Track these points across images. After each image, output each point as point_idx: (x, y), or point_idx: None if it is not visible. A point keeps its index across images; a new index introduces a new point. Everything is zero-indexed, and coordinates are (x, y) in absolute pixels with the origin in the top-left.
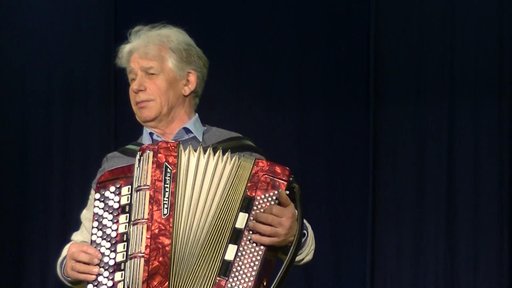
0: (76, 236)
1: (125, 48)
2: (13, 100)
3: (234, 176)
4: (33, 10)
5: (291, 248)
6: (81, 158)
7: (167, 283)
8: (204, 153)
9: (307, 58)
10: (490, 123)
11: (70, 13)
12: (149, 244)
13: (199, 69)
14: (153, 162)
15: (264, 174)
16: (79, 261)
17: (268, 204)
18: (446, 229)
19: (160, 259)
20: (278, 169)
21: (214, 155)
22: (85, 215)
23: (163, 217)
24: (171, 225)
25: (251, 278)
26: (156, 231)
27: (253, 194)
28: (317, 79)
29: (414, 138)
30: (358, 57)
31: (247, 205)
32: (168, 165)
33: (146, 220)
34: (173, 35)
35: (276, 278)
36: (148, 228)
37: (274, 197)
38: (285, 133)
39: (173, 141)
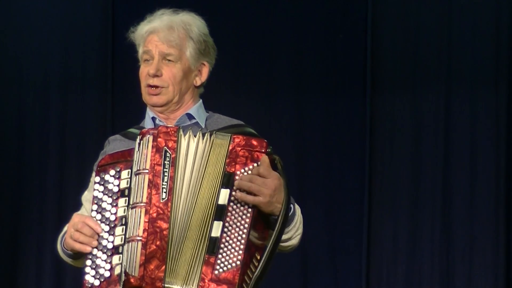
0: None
1: (145, 27)
2: (10, 88)
3: (213, 154)
4: None
5: (279, 216)
6: (77, 146)
7: (164, 266)
8: (203, 137)
9: (304, 46)
10: (487, 112)
11: (67, 0)
12: (147, 228)
13: (211, 61)
14: (152, 146)
15: (241, 149)
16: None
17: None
18: (442, 219)
19: (158, 243)
20: (254, 142)
21: (204, 138)
22: (86, 196)
23: (161, 201)
24: (169, 209)
25: (240, 252)
26: (154, 215)
27: (233, 169)
28: (314, 67)
29: (411, 126)
30: (355, 45)
31: (227, 180)
32: (167, 149)
33: (144, 204)
34: (195, 24)
35: (266, 251)
36: (146, 212)
37: (254, 170)
38: (281, 122)
39: (173, 126)
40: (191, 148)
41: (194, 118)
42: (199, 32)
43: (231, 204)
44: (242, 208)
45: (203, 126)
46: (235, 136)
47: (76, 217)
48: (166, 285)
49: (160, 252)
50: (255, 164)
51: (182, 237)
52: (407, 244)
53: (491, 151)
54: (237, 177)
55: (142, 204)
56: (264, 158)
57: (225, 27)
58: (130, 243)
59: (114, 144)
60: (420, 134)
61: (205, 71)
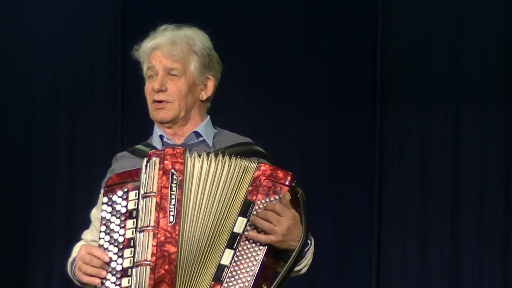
0: (86, 235)
1: (148, 44)
2: (19, 100)
3: (235, 179)
4: (39, 9)
5: (294, 253)
6: (87, 158)
7: None
8: (208, 158)
9: (314, 61)
10: (496, 126)
11: (77, 12)
12: (155, 252)
13: (217, 75)
14: (159, 169)
15: (266, 179)
16: (89, 264)
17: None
18: (451, 232)
19: (166, 267)
20: (280, 174)
21: (216, 159)
22: (95, 214)
23: (169, 224)
24: (177, 233)
25: (247, 284)
26: (162, 238)
27: (254, 198)
28: (323, 82)
29: (420, 141)
30: (364, 61)
31: (246, 209)
32: (174, 172)
33: (152, 228)
34: (198, 39)
35: (275, 283)
36: (154, 236)
37: (274, 202)
38: (291, 136)
39: (179, 147)
40: (202, 170)
41: (202, 136)
42: (202, 46)
43: (246, 233)
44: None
45: (211, 144)
46: (261, 163)
47: (83, 249)
48: None
49: (169, 277)
50: (277, 197)
51: (192, 261)
52: (416, 259)
53: (500, 166)
54: (256, 207)
55: (149, 228)
56: (285, 195)
57: (234, 41)
58: (139, 268)
59: (122, 161)
60: (429, 149)
61: (211, 85)
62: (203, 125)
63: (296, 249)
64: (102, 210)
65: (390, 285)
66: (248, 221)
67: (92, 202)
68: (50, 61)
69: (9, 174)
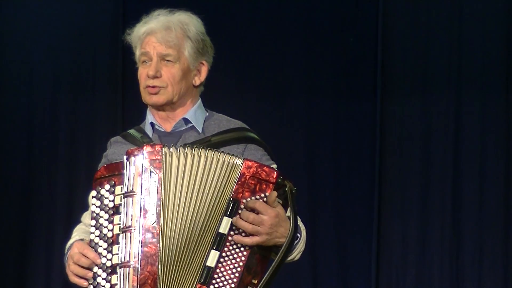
0: (85, 218)
1: (142, 28)
2: (20, 88)
3: (220, 176)
4: None
5: (282, 249)
6: (87, 147)
7: None
8: (185, 151)
9: (315, 49)
10: (497, 116)
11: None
12: (137, 253)
13: (209, 59)
14: (138, 167)
15: (251, 176)
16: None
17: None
18: (451, 220)
19: (149, 268)
20: (265, 171)
21: (200, 153)
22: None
23: (150, 224)
24: (158, 233)
25: (233, 285)
26: (143, 239)
27: (239, 196)
28: (324, 70)
29: (421, 130)
30: (366, 49)
31: (232, 208)
32: (153, 170)
33: (134, 228)
34: (192, 24)
35: (264, 278)
36: (136, 237)
37: (260, 200)
38: (292, 124)
39: (158, 144)
40: (179, 165)
41: (191, 123)
42: (196, 31)
43: (231, 233)
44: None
45: (200, 131)
46: (247, 160)
47: (75, 247)
48: None
49: (152, 278)
50: (263, 195)
51: (175, 260)
52: (416, 248)
53: (501, 155)
54: (242, 206)
55: (131, 228)
56: (272, 193)
57: (235, 29)
58: (122, 269)
59: (115, 146)
60: (430, 138)
61: (204, 70)
62: (192, 111)
63: (284, 244)
64: (92, 204)
65: (390, 274)
66: (235, 217)
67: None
68: (51, 48)
69: (9, 161)
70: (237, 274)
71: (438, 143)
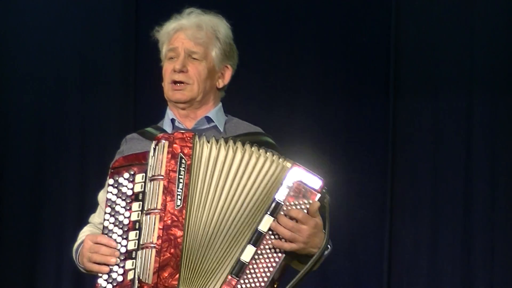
0: (93, 219)
1: (172, 24)
2: (31, 85)
3: (267, 175)
4: None
5: (313, 258)
6: (99, 143)
7: (177, 275)
8: (217, 143)
9: (328, 48)
10: (509, 115)
11: None
12: (161, 235)
13: (234, 65)
14: (168, 152)
15: (298, 181)
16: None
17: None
18: (463, 222)
19: (172, 250)
20: (312, 179)
21: (235, 147)
22: (102, 197)
23: (176, 208)
24: (183, 217)
25: (262, 284)
26: (169, 222)
27: (283, 198)
28: (337, 71)
29: (433, 130)
30: (378, 49)
31: (274, 209)
32: (183, 155)
33: (159, 211)
34: (222, 26)
35: (290, 285)
36: (161, 219)
37: (303, 206)
38: (303, 125)
39: (189, 131)
40: (210, 155)
41: (213, 122)
42: (225, 34)
43: (270, 232)
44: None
45: (222, 130)
46: (296, 164)
47: (89, 240)
48: None
49: (174, 260)
50: (306, 201)
51: (199, 246)
52: (428, 249)
53: None
54: (284, 208)
55: (156, 210)
56: (314, 203)
57: (247, 30)
58: (144, 250)
59: (132, 143)
60: (442, 138)
61: (228, 74)
62: (214, 111)
63: (315, 255)
64: (108, 192)
65: (401, 276)
66: (274, 220)
67: (103, 187)
68: (61, 46)
69: (20, 159)
70: (268, 274)
71: (450, 143)
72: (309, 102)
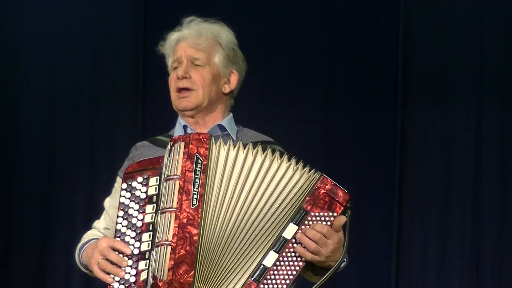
0: (98, 223)
1: (173, 36)
2: (41, 94)
3: (294, 184)
4: (61, 2)
5: (330, 271)
6: (107, 153)
7: (192, 272)
8: (243, 148)
9: (335, 58)
10: None
11: (99, 5)
12: (176, 233)
13: (241, 71)
14: (184, 153)
15: (325, 192)
16: (108, 260)
17: (320, 223)
18: (471, 228)
19: (187, 248)
20: (340, 192)
21: (256, 151)
22: (109, 202)
23: (192, 207)
24: (199, 216)
25: None
26: (184, 220)
27: (309, 208)
28: (345, 79)
29: (441, 139)
30: (386, 58)
31: (300, 217)
32: (199, 156)
33: (174, 209)
34: (224, 32)
35: None
36: (176, 217)
37: (327, 218)
38: (312, 133)
39: (205, 133)
40: (228, 157)
41: (226, 130)
42: (227, 39)
43: (293, 241)
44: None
45: (235, 139)
46: (324, 176)
47: (104, 242)
48: None
49: (190, 257)
50: (331, 213)
51: (217, 245)
52: (436, 257)
53: None
54: (309, 218)
55: (172, 209)
56: (340, 218)
57: (255, 38)
58: (159, 248)
59: (142, 150)
60: (451, 145)
61: (234, 79)
62: (227, 120)
63: (333, 269)
64: (121, 196)
65: (410, 280)
66: (298, 229)
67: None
68: (71, 55)
69: (30, 168)
70: (288, 281)
71: (459, 151)
72: (317, 111)
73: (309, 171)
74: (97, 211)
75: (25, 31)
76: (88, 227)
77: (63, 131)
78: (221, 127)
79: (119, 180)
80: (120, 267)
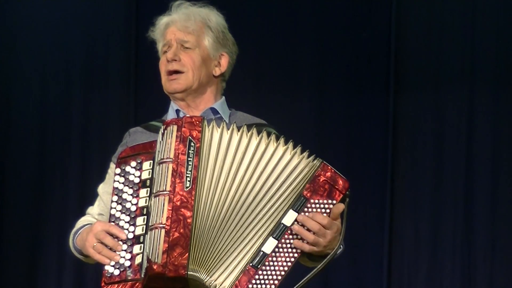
0: (92, 209)
1: (163, 20)
2: (33, 81)
3: (294, 169)
4: None
5: (326, 260)
6: (100, 140)
7: (187, 254)
8: (238, 130)
9: (327, 44)
10: (510, 111)
11: None
12: (170, 216)
13: (231, 53)
14: (177, 136)
15: (325, 180)
16: (103, 243)
17: (320, 210)
18: (463, 217)
19: (181, 230)
20: (340, 180)
21: (251, 133)
22: (103, 188)
23: (185, 189)
24: (193, 198)
25: (279, 278)
26: (178, 203)
27: (309, 195)
28: (337, 65)
29: (434, 125)
30: (379, 45)
31: (299, 205)
32: (192, 139)
33: (168, 192)
34: (213, 15)
35: (300, 283)
36: (170, 200)
37: (327, 206)
38: (304, 119)
39: (197, 116)
40: (221, 139)
41: (219, 113)
42: (217, 22)
43: (292, 227)
44: (298, 238)
45: (227, 122)
46: (325, 163)
47: (99, 225)
48: (189, 273)
49: (184, 240)
50: (330, 201)
51: (211, 228)
52: (428, 245)
53: None
54: (308, 205)
55: (165, 192)
56: (339, 205)
57: (248, 25)
58: (153, 231)
59: (136, 135)
60: (443, 133)
61: (225, 62)
62: (219, 103)
63: (329, 256)
64: (115, 181)
65: (402, 272)
66: (298, 216)
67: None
68: (63, 44)
69: (22, 155)
70: (286, 268)
71: (451, 139)
72: (308, 99)
73: (308, 156)
74: (90, 198)
75: (17, 18)
76: (81, 214)
77: (55, 119)
78: (214, 110)
79: (112, 166)
80: (115, 251)
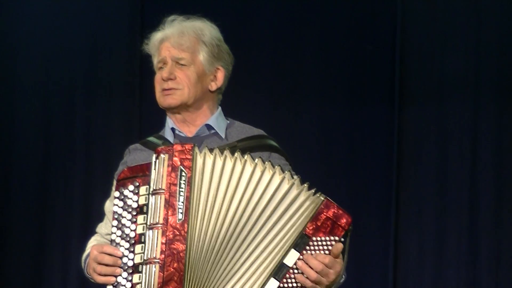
0: (100, 229)
1: (157, 35)
2: (36, 92)
3: (293, 204)
4: None
5: None
6: (103, 151)
7: None
8: (231, 155)
9: (332, 56)
10: None
11: (95, 3)
12: (164, 250)
13: (227, 66)
14: (168, 165)
15: (327, 216)
16: (102, 264)
17: (322, 248)
18: (468, 227)
19: (175, 265)
20: (343, 216)
21: (245, 160)
22: (108, 207)
23: (177, 222)
24: (185, 230)
25: None
26: (171, 236)
27: (311, 233)
28: (341, 77)
29: (438, 137)
30: (383, 56)
31: (301, 243)
32: (183, 168)
33: (161, 225)
34: (207, 29)
35: None
36: (163, 233)
37: (329, 243)
38: (308, 131)
39: (188, 143)
40: (214, 167)
41: (214, 129)
42: (211, 36)
43: (294, 267)
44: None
45: (223, 136)
46: (328, 199)
47: (94, 250)
48: None
49: (178, 275)
50: (332, 238)
51: (205, 260)
52: (433, 255)
53: None
54: (310, 243)
55: (159, 225)
56: (337, 245)
57: (252, 34)
58: (148, 265)
59: (135, 154)
60: (447, 145)
61: (221, 76)
62: (214, 118)
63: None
64: (114, 205)
65: (406, 280)
66: (300, 256)
67: (109, 195)
68: (67, 54)
69: (25, 166)
70: None
71: (455, 149)
72: (312, 110)
73: (309, 189)
74: (93, 210)
75: (21, 27)
76: (84, 228)
77: (59, 128)
78: (209, 127)
79: (115, 183)
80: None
